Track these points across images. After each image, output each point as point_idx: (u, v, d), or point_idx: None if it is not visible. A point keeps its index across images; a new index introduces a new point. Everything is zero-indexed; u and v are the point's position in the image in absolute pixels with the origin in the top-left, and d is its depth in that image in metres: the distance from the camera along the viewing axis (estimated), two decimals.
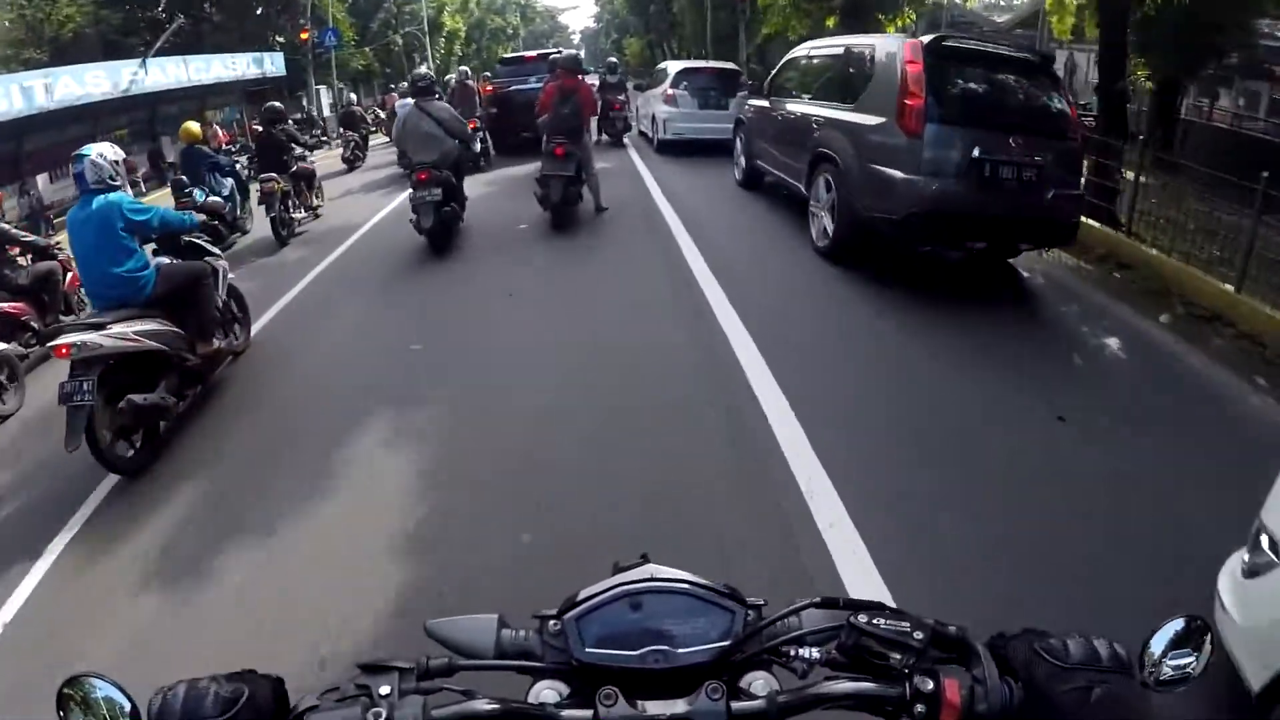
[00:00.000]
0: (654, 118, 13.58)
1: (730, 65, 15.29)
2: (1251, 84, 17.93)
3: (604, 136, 14.35)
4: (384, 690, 0.73)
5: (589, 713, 0.75)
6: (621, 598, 0.83)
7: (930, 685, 0.74)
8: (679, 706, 0.75)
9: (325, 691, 0.75)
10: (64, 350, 3.75)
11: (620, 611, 0.82)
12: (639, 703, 0.76)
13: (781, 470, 3.47)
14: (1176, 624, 0.77)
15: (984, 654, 0.77)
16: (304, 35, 23.67)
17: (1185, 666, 0.76)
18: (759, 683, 0.80)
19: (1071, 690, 0.71)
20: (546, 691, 0.80)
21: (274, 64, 22.43)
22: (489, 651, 0.84)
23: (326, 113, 25.18)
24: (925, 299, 5.69)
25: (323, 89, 26.20)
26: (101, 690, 0.67)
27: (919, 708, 0.74)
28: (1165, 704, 0.76)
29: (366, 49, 29.23)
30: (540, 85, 9.68)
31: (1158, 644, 0.76)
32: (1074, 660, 0.74)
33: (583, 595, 0.84)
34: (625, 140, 14.88)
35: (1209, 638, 0.77)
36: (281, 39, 24.17)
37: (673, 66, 13.95)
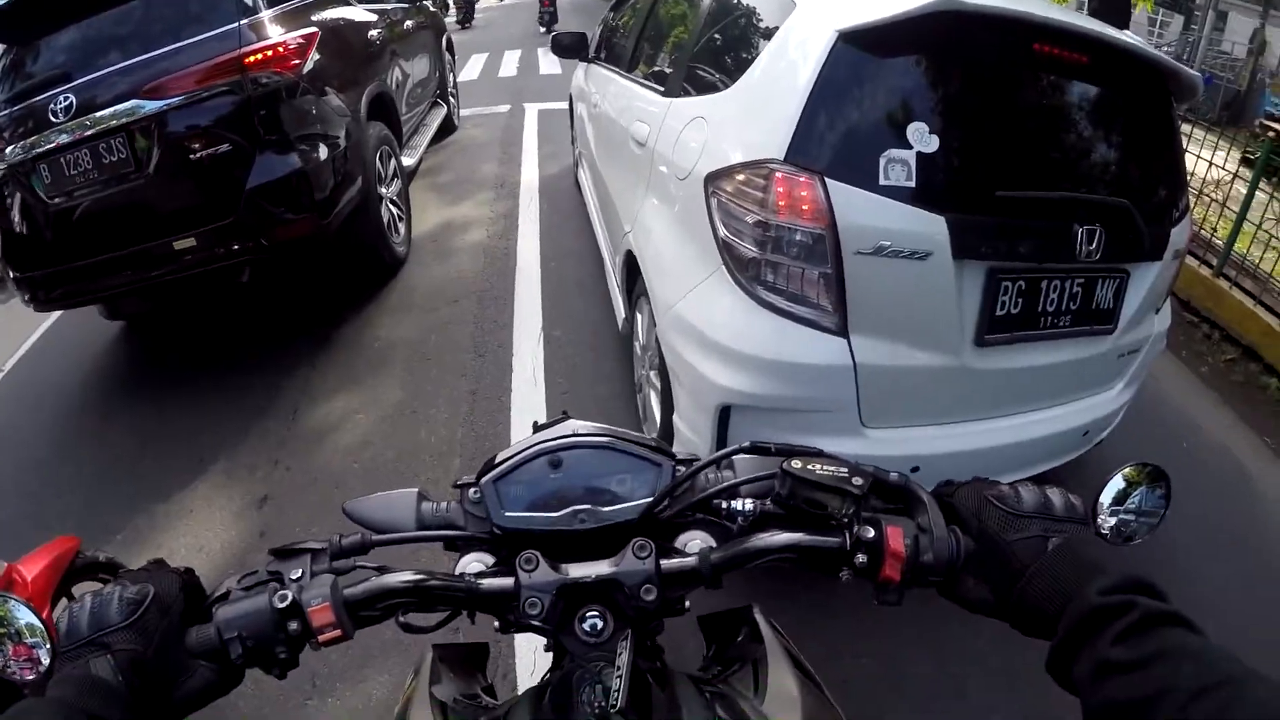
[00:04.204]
0: None
1: None
2: None
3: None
4: (295, 574, 0.71)
5: (510, 580, 0.72)
6: (540, 456, 0.80)
7: (871, 533, 0.71)
8: (603, 568, 0.73)
9: (242, 576, 0.72)
10: None
11: (540, 471, 0.79)
12: (562, 566, 0.73)
13: None
14: (1130, 474, 0.72)
15: (929, 501, 0.74)
16: None
17: (1143, 518, 0.73)
18: (694, 542, 0.78)
19: (1025, 539, 0.68)
20: (474, 563, 0.78)
21: None
22: (409, 526, 0.81)
23: None
24: None
25: None
26: (19, 615, 0.65)
27: (860, 558, 0.71)
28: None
29: None
30: None
31: (1111, 494, 0.72)
32: (1027, 508, 0.70)
33: (500, 457, 0.81)
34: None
35: (1165, 489, 0.72)
36: None
37: None
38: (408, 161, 5.31)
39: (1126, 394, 2.50)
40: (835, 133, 1.92)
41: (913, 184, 1.90)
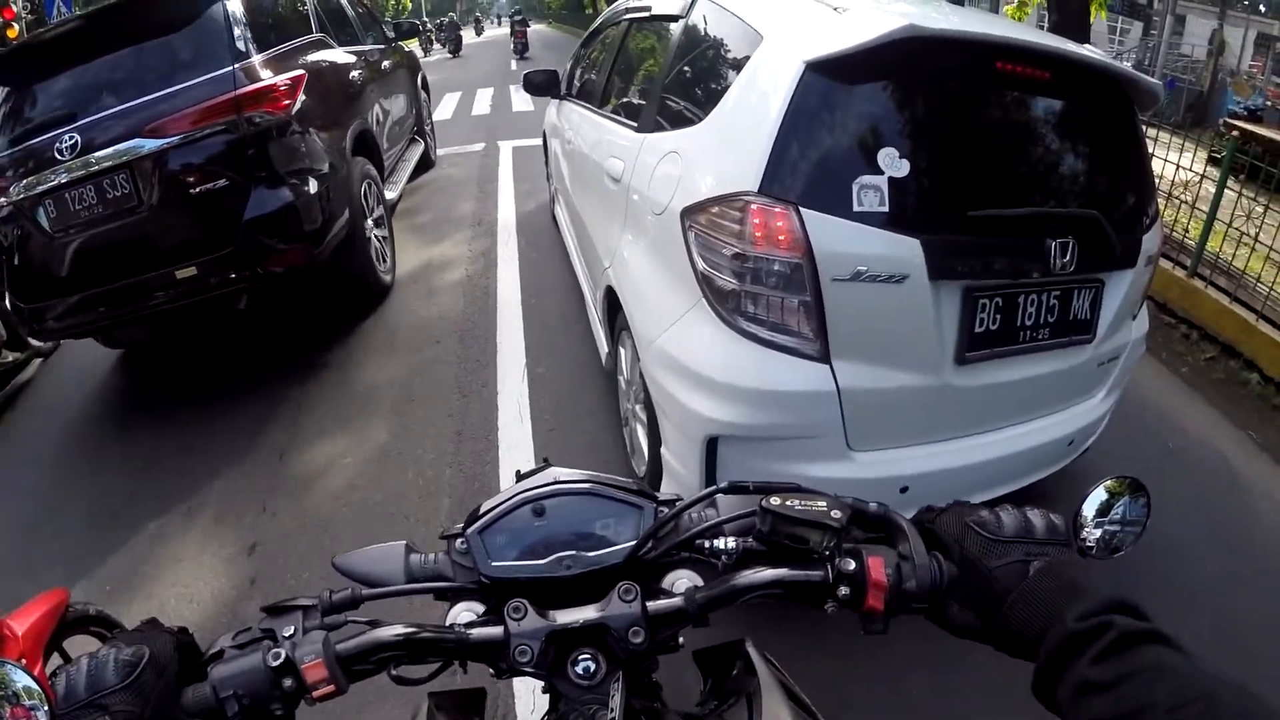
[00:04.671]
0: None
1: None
2: None
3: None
4: (288, 631, 0.72)
5: (499, 629, 0.73)
6: (523, 504, 0.81)
7: (853, 565, 0.72)
8: (590, 613, 0.74)
9: (236, 634, 0.73)
10: None
11: (524, 520, 0.80)
12: (550, 613, 0.74)
13: None
14: (1111, 486, 0.73)
15: (909, 529, 0.75)
16: None
17: (1129, 527, 0.73)
18: (681, 581, 0.79)
19: (1006, 565, 0.69)
20: (464, 613, 0.78)
21: None
22: (398, 579, 0.82)
23: None
24: None
25: None
26: (16, 678, 0.65)
27: (843, 590, 0.72)
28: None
29: None
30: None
31: (1091, 509, 0.73)
32: (1008, 532, 0.71)
33: (485, 508, 0.82)
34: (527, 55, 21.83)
35: (1145, 500, 0.73)
36: None
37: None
38: (390, 195, 5.51)
39: (1109, 401, 2.53)
40: (808, 162, 1.94)
41: (886, 209, 1.92)
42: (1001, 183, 2.11)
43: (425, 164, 7.64)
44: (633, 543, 0.79)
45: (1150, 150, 2.91)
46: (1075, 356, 2.29)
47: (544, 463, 0.91)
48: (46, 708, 0.63)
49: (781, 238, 1.89)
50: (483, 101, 12.38)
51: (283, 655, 0.68)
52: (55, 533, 3.39)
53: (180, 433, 3.91)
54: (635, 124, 2.93)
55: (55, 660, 2.11)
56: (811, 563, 0.73)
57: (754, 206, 1.92)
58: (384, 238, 5.10)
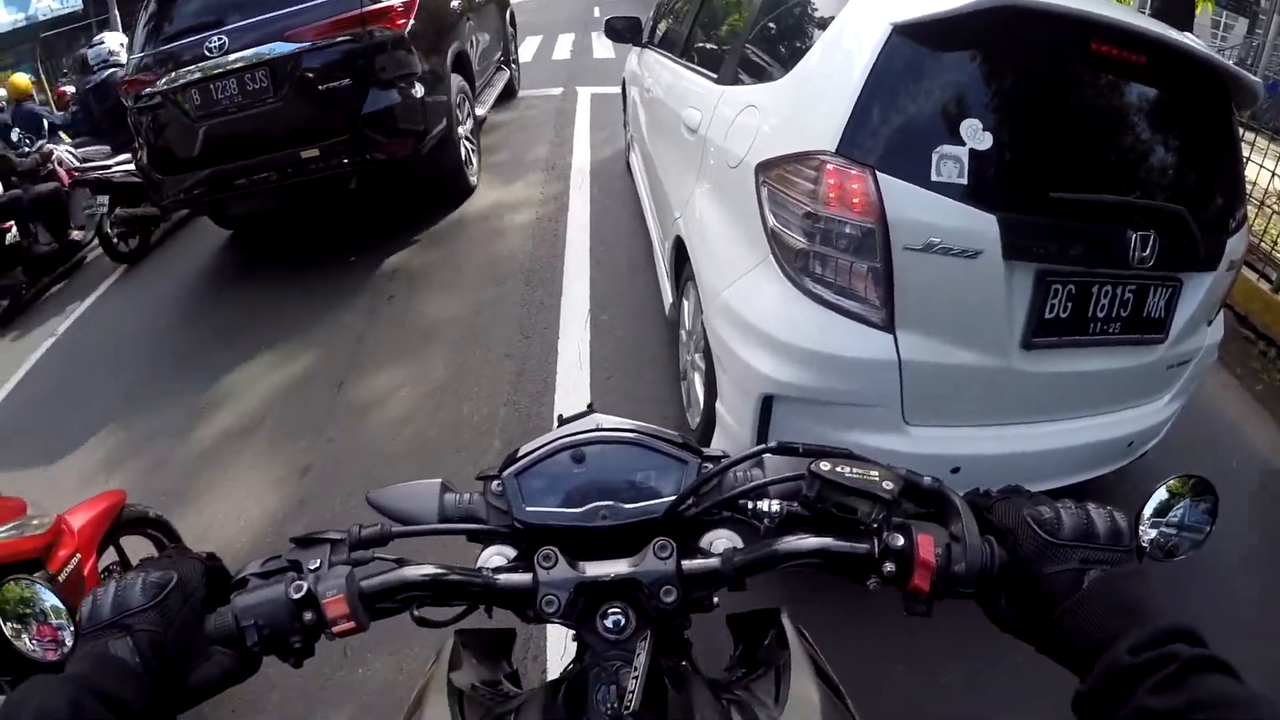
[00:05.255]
0: None
1: None
2: None
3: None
4: (313, 564, 0.71)
5: (528, 576, 0.71)
6: (563, 450, 0.78)
7: (901, 541, 0.68)
8: (622, 567, 0.71)
9: (265, 560, 0.73)
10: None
11: (563, 466, 0.78)
12: (581, 564, 0.72)
13: None
14: (1173, 485, 0.70)
15: (963, 509, 0.70)
16: None
17: (1186, 532, 0.70)
18: (720, 542, 0.76)
19: (1061, 572, 0.64)
20: (495, 557, 0.77)
21: None
22: (432, 517, 0.81)
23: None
24: None
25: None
26: (44, 598, 0.68)
27: (888, 566, 0.68)
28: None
29: None
30: None
31: (1153, 506, 0.70)
32: (1066, 534, 0.66)
33: (523, 450, 0.80)
34: None
35: (1210, 503, 0.70)
36: None
37: None
38: (479, 111, 6.19)
39: (1174, 406, 2.44)
40: (888, 126, 1.90)
41: (965, 181, 1.87)
42: (1086, 167, 2.04)
43: (510, 91, 8.04)
44: (673, 497, 0.76)
45: (1245, 155, 2.79)
46: (1144, 356, 2.22)
47: (588, 408, 0.88)
48: (72, 627, 0.66)
49: (856, 200, 1.87)
50: (563, 46, 12.11)
51: (305, 588, 0.67)
52: (116, 447, 3.56)
53: (244, 359, 4.11)
54: (715, 75, 2.91)
55: (110, 558, 2.24)
56: (858, 534, 0.70)
57: (830, 167, 1.90)
58: (472, 147, 5.84)
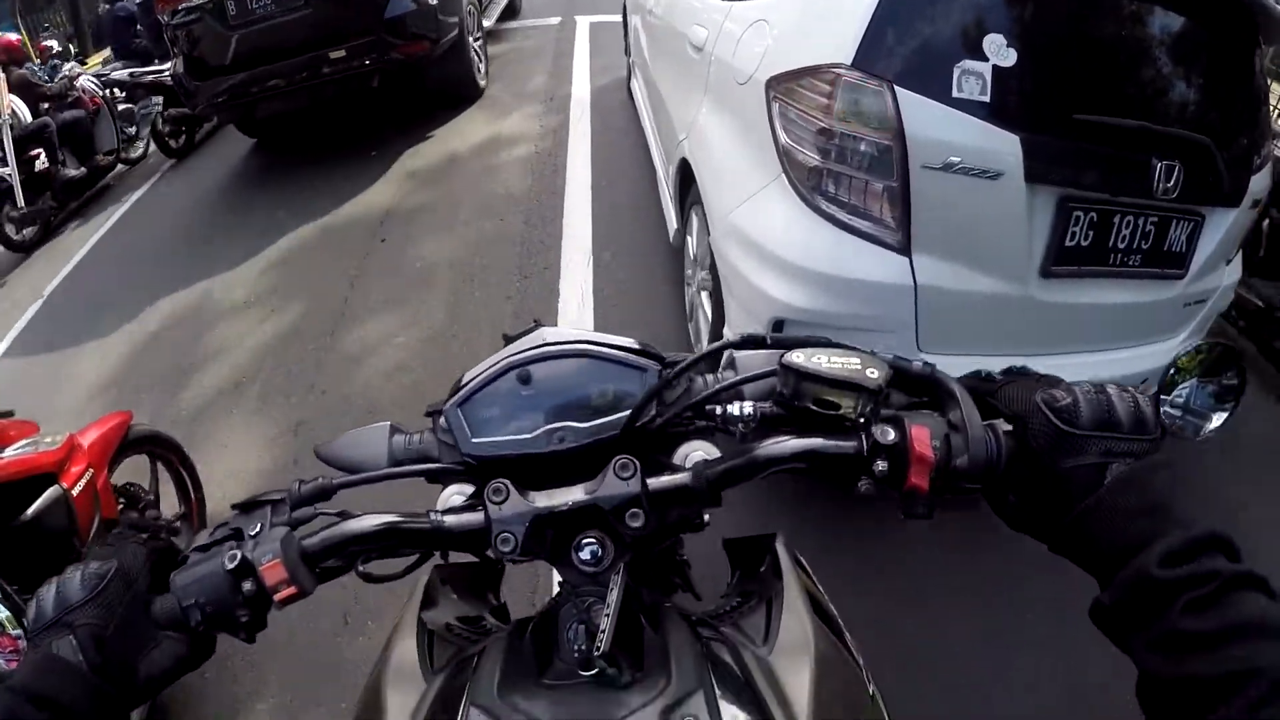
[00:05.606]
0: None
1: None
2: None
3: None
4: (253, 529, 0.65)
5: (480, 515, 0.64)
6: (506, 371, 0.71)
7: (893, 435, 0.60)
8: (578, 493, 0.64)
9: (213, 531, 0.68)
10: None
11: (510, 389, 0.70)
12: (534, 495, 0.65)
13: None
14: (1185, 359, 0.63)
15: (961, 394, 0.62)
16: None
17: (1213, 408, 0.63)
18: (695, 455, 0.68)
19: (1079, 466, 0.57)
20: (455, 496, 0.70)
21: None
22: (382, 463, 0.73)
23: None
24: None
25: None
26: None
27: (880, 465, 0.60)
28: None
29: None
30: None
31: (1166, 384, 0.63)
32: (1085, 422, 0.58)
33: (467, 377, 0.73)
34: None
35: (1238, 367, 0.63)
36: None
37: None
38: (486, 23, 6.74)
39: (1188, 345, 2.38)
40: (907, 39, 1.81)
41: (987, 98, 1.79)
42: (1112, 90, 1.95)
43: (512, 9, 8.26)
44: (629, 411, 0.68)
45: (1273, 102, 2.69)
46: (1163, 291, 2.15)
47: (534, 323, 0.81)
48: (21, 631, 0.62)
49: (872, 115, 1.78)
50: None
51: (239, 556, 0.62)
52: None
53: (235, 312, 4.00)
54: None
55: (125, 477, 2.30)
56: (843, 431, 0.62)
57: (846, 79, 1.80)
58: (481, 53, 6.35)
